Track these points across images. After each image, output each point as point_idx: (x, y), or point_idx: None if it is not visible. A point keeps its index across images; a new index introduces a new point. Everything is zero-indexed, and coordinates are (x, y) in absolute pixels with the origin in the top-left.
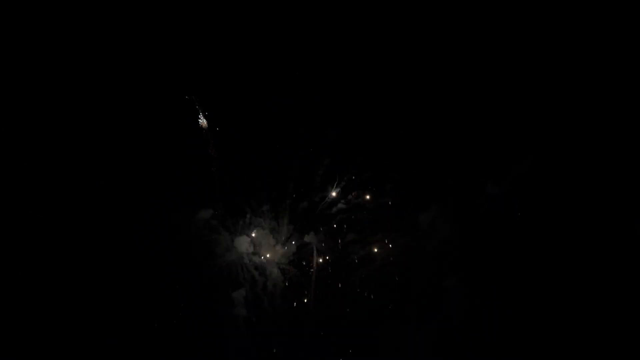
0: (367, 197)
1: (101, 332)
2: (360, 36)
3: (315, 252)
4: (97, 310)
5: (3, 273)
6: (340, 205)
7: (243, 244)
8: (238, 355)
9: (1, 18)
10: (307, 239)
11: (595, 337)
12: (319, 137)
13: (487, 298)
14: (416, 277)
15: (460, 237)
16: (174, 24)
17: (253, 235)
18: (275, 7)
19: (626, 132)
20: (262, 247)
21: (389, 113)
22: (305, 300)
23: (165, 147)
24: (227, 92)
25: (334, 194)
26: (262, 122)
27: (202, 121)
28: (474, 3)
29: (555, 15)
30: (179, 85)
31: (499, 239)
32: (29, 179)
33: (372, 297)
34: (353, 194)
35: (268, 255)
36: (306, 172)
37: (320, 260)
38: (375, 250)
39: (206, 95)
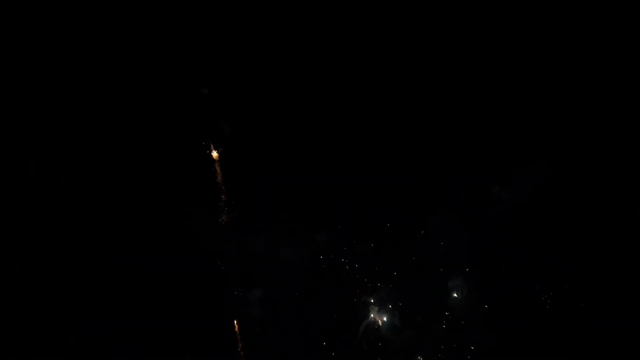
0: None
1: (115, 330)
2: (365, 40)
3: (329, 255)
4: (111, 308)
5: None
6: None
7: (258, 244)
8: (251, 355)
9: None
10: (319, 237)
11: (599, 339)
12: (330, 144)
13: (492, 301)
14: (422, 280)
15: (466, 241)
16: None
17: (269, 236)
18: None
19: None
20: (277, 248)
21: (398, 118)
22: (318, 301)
23: (186, 151)
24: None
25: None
26: (277, 129)
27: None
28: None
29: (570, 19)
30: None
31: (505, 242)
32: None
33: (381, 299)
34: None
35: (283, 257)
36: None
37: (333, 263)
38: (385, 253)
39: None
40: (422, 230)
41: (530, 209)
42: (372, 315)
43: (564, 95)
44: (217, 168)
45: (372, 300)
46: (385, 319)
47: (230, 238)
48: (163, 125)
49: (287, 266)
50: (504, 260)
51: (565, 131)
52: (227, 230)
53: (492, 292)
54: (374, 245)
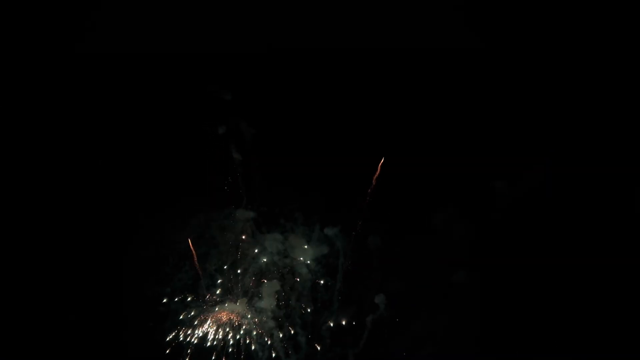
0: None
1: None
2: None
3: (341, 254)
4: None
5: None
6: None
7: (275, 244)
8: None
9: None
10: (328, 231)
11: (601, 334)
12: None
13: (494, 294)
14: (428, 274)
15: (471, 236)
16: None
17: (285, 237)
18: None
19: None
20: (292, 248)
21: (406, 119)
22: (330, 297)
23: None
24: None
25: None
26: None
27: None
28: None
29: (575, 22)
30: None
31: (508, 238)
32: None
33: (389, 294)
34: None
35: (298, 256)
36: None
37: (346, 262)
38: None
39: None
40: (428, 225)
41: (532, 205)
42: (378, 309)
43: (563, 96)
44: (238, 168)
45: (378, 294)
46: (390, 312)
47: (248, 235)
48: (186, 127)
49: (302, 266)
50: (507, 254)
51: (564, 131)
52: (245, 228)
53: (495, 285)
54: (381, 240)
